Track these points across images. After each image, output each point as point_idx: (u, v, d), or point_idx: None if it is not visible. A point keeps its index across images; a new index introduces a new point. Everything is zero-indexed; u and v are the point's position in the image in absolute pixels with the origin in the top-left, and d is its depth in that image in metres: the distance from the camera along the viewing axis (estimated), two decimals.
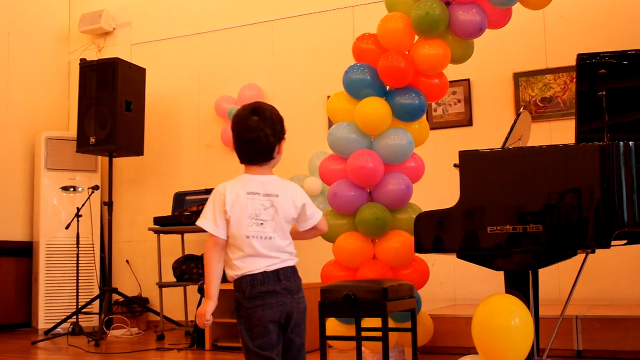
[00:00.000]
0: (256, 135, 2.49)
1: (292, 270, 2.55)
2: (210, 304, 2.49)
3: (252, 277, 2.47)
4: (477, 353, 3.15)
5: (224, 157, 7.16)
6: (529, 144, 4.05)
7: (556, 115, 5.81)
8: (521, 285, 3.18)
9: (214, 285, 2.49)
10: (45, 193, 7.31)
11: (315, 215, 2.64)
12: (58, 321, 6.73)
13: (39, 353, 5.65)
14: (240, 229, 2.47)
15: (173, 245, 6.91)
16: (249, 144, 2.51)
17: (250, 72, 7.13)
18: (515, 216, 3.04)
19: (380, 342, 3.51)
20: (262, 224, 2.49)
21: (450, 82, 4.71)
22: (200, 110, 7.42)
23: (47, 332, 6.67)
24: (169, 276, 6.53)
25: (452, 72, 4.70)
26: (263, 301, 2.46)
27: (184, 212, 6.43)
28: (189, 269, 6.30)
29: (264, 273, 2.48)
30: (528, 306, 3.05)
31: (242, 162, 2.56)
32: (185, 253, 6.71)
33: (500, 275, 4.22)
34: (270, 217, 2.51)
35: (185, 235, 6.87)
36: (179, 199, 6.88)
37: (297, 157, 6.53)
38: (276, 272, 2.49)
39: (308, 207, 2.61)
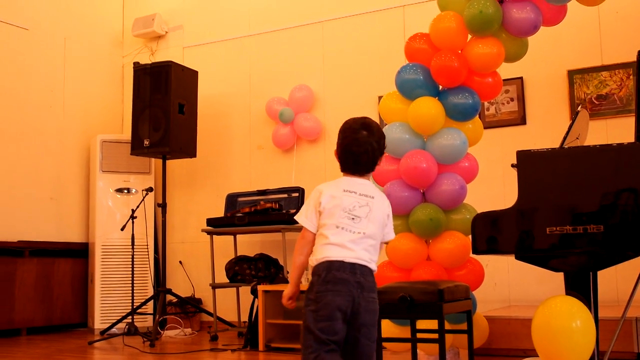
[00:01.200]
0: (364, 149, 2.69)
1: (369, 271, 2.64)
2: (290, 289, 2.75)
3: (330, 263, 2.58)
4: (535, 355, 3.11)
5: (275, 158, 7.20)
6: (586, 144, 3.98)
7: (612, 112, 5.70)
8: (581, 287, 3.12)
9: (296, 274, 2.73)
10: (101, 195, 7.43)
11: (391, 233, 2.77)
12: (113, 321, 6.84)
13: (95, 353, 5.75)
14: (332, 219, 2.63)
15: (225, 247, 6.97)
16: (355, 156, 2.70)
17: (301, 74, 7.15)
18: (575, 216, 2.99)
19: (435, 344, 3.49)
20: (353, 219, 2.63)
21: (503, 80, 4.65)
22: (251, 112, 7.47)
23: (102, 332, 6.78)
24: (221, 277, 6.58)
25: (505, 70, 4.64)
26: (334, 287, 2.54)
27: (237, 214, 6.47)
28: (242, 270, 6.33)
29: (342, 262, 2.57)
30: (589, 308, 2.99)
31: (344, 170, 2.75)
32: (238, 254, 6.75)
33: (555, 277, 4.16)
34: (365, 215, 2.64)
35: (238, 236, 6.91)
36: (231, 200, 6.94)
37: None
38: (353, 265, 2.58)
39: (389, 220, 2.75)
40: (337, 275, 2.55)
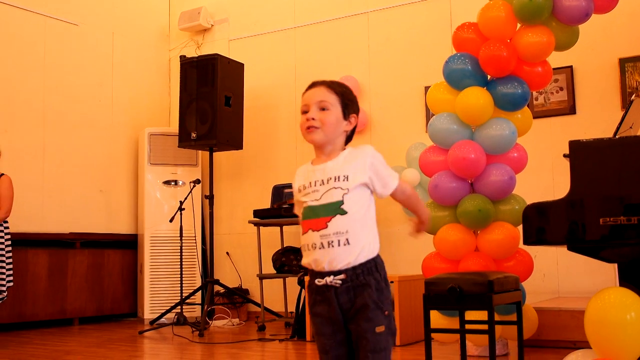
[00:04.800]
0: None
1: None
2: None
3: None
4: (585, 347, 3.07)
5: None
6: None
7: None
8: (636, 278, 3.07)
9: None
10: (149, 187, 7.54)
11: None
12: (162, 311, 6.94)
13: (145, 342, 5.84)
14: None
15: (272, 238, 7.01)
16: None
17: (346, 65, 7.14)
18: (629, 207, 2.94)
19: (483, 335, 3.46)
20: None
21: (552, 69, 4.58)
22: (297, 104, 7.43)
23: (152, 322, 6.88)
24: (268, 268, 6.63)
25: (554, 59, 4.57)
26: None
27: (283, 205, 6.50)
28: (289, 261, 6.37)
29: None
30: None
31: (348, 142, 2.40)
32: (285, 245, 6.79)
33: (605, 268, 4.11)
34: None
35: (284, 227, 6.95)
36: (278, 191, 6.97)
37: (395, 149, 6.51)
38: None
39: None
40: None
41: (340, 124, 2.27)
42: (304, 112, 2.28)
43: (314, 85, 2.33)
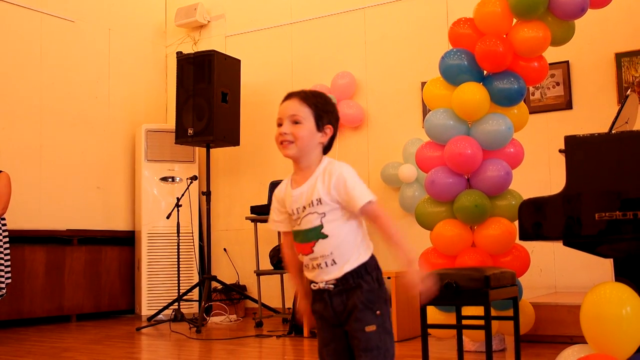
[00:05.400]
0: None
1: None
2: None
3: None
4: (581, 342, 3.07)
5: None
6: (635, 128, 3.90)
7: None
8: (632, 273, 3.07)
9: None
10: (146, 184, 7.53)
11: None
12: (160, 308, 6.94)
13: (143, 338, 5.84)
14: None
15: (269, 234, 7.01)
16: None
17: (343, 61, 7.14)
18: (625, 202, 2.94)
19: (480, 331, 3.47)
20: None
21: (549, 64, 4.58)
22: None
23: (149, 318, 6.88)
24: (265, 264, 6.63)
25: (550, 54, 4.57)
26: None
27: None
28: None
29: None
30: (639, 295, 2.94)
31: (326, 153, 2.36)
32: (282, 241, 6.78)
33: (601, 263, 4.10)
34: None
35: None
36: (275, 187, 6.94)
37: (392, 145, 6.51)
38: None
39: None
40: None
41: (314, 137, 2.26)
42: (279, 124, 2.28)
43: (288, 97, 2.32)
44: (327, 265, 2.23)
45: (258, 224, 6.65)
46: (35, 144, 7.07)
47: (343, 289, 2.22)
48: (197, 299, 7.24)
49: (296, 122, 2.24)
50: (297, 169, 2.31)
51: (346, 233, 2.23)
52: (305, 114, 2.25)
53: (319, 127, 2.26)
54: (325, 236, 2.21)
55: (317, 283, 2.26)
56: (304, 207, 2.24)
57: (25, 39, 7.08)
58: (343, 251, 2.22)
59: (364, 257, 2.24)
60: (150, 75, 8.34)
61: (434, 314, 4.24)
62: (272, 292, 6.98)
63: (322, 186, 2.22)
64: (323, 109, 2.28)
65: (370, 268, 2.24)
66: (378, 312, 2.22)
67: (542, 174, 5.82)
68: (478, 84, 4.36)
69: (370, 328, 2.20)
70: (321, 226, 2.21)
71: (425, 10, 6.73)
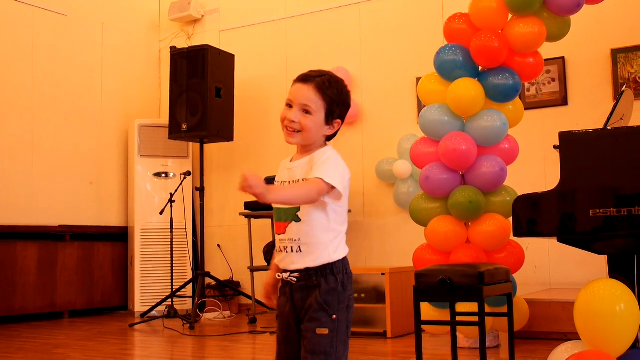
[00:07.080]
0: None
1: None
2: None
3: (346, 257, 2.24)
4: (576, 339, 3.06)
5: None
6: (631, 124, 3.88)
7: None
8: (625, 270, 3.05)
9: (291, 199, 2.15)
10: (139, 179, 7.49)
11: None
12: (153, 304, 6.91)
13: (136, 335, 5.82)
14: (346, 201, 2.23)
15: (263, 230, 6.99)
16: None
17: (338, 56, 7.11)
18: (619, 198, 2.92)
19: (474, 327, 3.45)
20: None
21: (544, 60, 4.57)
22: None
23: (143, 314, 6.85)
24: (259, 260, 6.61)
25: (546, 50, 4.55)
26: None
27: None
28: None
29: None
30: (633, 291, 2.93)
31: (329, 140, 2.33)
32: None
33: (596, 260, 4.09)
34: None
35: None
36: (269, 183, 6.90)
37: (386, 140, 6.49)
38: None
39: None
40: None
41: (320, 129, 2.21)
42: (288, 105, 2.22)
43: (306, 79, 2.24)
44: (292, 251, 2.15)
45: (252, 220, 6.62)
46: (27, 139, 7.02)
47: (305, 285, 2.15)
48: (191, 295, 7.20)
49: (307, 112, 2.19)
50: (299, 148, 2.27)
51: (319, 225, 2.15)
52: (318, 106, 2.19)
53: (328, 120, 2.21)
54: (298, 219, 2.14)
55: (282, 273, 2.19)
56: (289, 183, 2.20)
57: (17, 32, 7.03)
58: (311, 241, 2.14)
59: (333, 258, 2.16)
60: (143, 69, 8.30)
61: (427, 311, 4.23)
62: None
63: (308, 168, 2.17)
64: (337, 101, 2.22)
65: (337, 269, 2.16)
66: (334, 316, 2.14)
67: (537, 170, 5.81)
68: (473, 80, 4.34)
69: (322, 331, 2.12)
70: (297, 208, 2.14)
71: (421, 6, 6.70)
